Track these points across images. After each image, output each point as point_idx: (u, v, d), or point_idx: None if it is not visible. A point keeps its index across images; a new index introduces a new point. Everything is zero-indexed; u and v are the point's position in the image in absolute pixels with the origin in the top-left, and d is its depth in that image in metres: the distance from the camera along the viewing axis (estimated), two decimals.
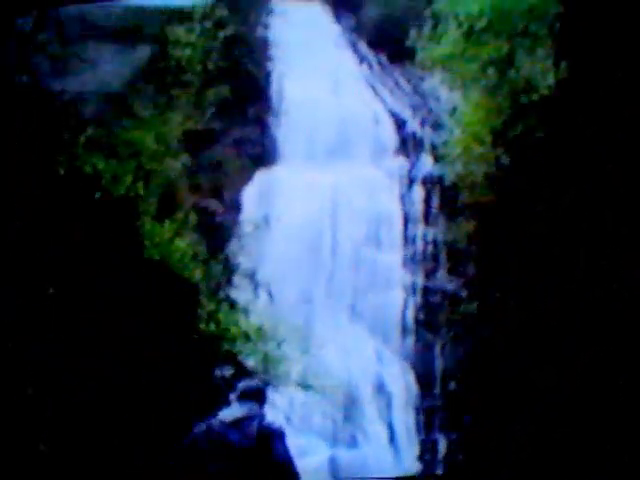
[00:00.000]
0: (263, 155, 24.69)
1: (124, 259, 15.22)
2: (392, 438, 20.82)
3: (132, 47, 20.74)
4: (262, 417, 7.98)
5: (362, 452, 20.45)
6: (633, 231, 12.83)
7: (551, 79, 16.18)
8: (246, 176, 23.90)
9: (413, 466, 20.24)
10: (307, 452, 18.65)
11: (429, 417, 20.97)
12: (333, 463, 19.91)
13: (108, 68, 19.98)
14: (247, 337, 16.84)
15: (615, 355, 12.43)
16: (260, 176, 24.16)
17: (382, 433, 20.89)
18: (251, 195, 23.57)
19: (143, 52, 20.92)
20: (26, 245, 13.35)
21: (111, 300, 14.22)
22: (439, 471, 19.63)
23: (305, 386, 18.35)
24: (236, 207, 22.76)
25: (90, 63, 19.20)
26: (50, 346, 13.02)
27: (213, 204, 21.81)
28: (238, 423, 7.84)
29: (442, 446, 20.30)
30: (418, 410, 21.19)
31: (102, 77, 19.58)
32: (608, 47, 14.18)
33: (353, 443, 20.61)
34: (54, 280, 13.60)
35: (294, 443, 8.02)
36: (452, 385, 20.70)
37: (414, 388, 21.44)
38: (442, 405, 20.73)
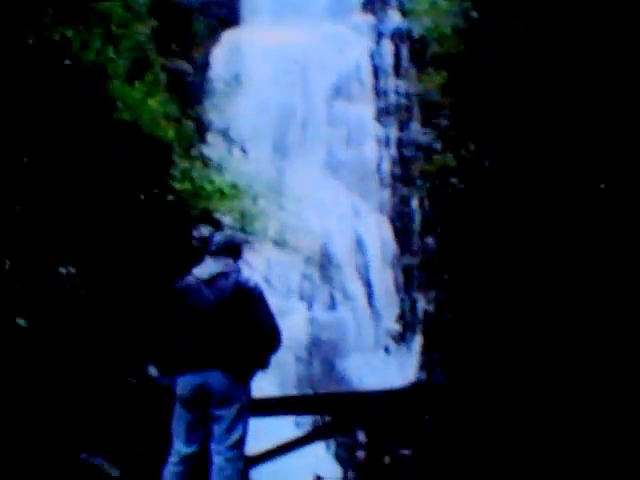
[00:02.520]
0: (230, 16, 24.36)
1: (95, 122, 15.06)
2: (371, 297, 20.97)
3: None
4: (238, 273, 7.67)
5: (341, 313, 20.64)
6: None
7: None
8: (214, 37, 23.66)
9: (392, 327, 20.42)
10: (285, 313, 18.76)
11: (408, 275, 21.09)
12: (312, 324, 20.11)
13: None
14: (222, 194, 16.74)
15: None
16: (228, 36, 23.88)
17: (361, 292, 21.03)
18: (220, 55, 23.35)
19: None
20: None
21: (83, 161, 14.11)
22: (418, 330, 19.72)
23: (282, 243, 18.37)
24: (206, 67, 22.57)
25: None
26: None
27: (183, 65, 21.53)
28: (213, 279, 7.51)
29: (421, 305, 20.50)
30: (396, 268, 21.31)
31: None
32: None
33: (332, 304, 20.77)
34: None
35: (272, 303, 7.81)
36: (430, 240, 20.75)
37: (392, 244, 21.55)
38: (421, 262, 20.80)
